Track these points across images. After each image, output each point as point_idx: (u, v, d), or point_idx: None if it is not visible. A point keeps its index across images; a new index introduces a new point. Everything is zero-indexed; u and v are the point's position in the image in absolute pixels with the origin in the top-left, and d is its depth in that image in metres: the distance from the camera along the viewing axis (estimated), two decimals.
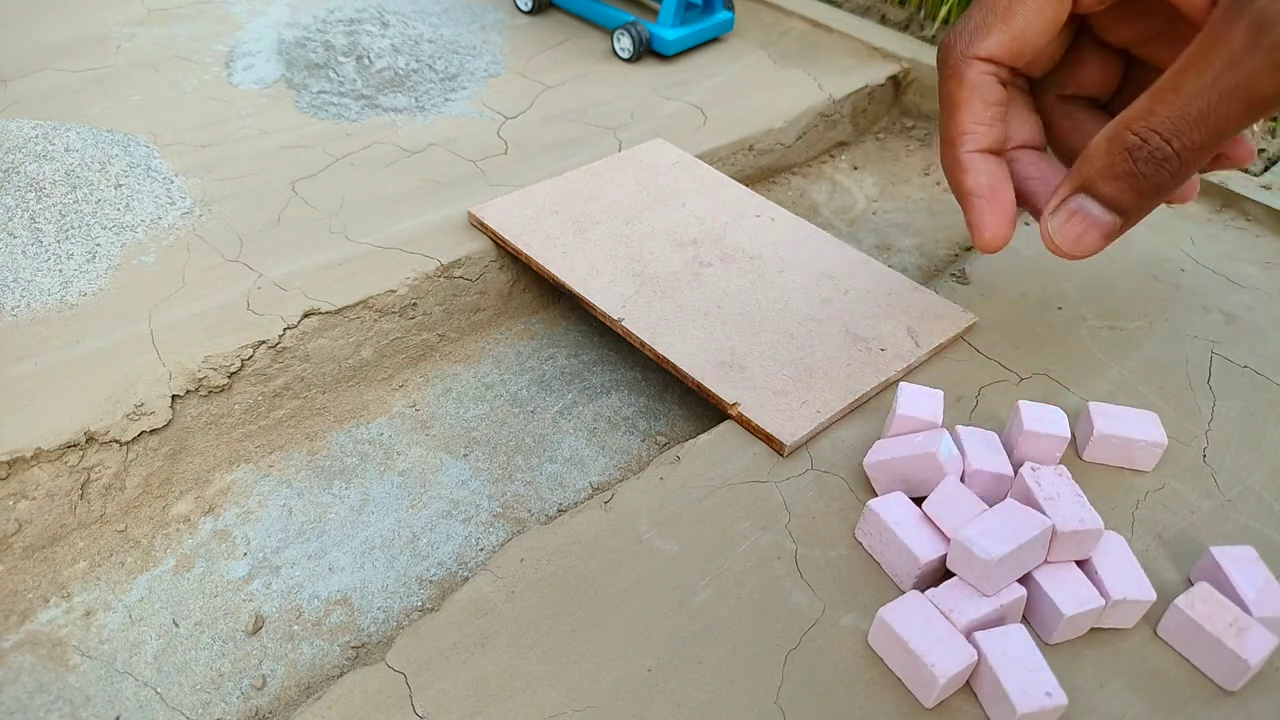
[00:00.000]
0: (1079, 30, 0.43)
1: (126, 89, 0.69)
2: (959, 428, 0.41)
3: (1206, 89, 0.33)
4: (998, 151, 0.41)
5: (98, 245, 0.53)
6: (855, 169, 0.73)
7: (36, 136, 0.58)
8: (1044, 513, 0.35)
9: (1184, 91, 0.33)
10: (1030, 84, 0.45)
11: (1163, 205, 0.50)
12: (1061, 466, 0.38)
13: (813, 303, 0.51)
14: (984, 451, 0.40)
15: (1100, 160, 0.36)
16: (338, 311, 0.51)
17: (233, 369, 0.48)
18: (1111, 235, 0.38)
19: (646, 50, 0.77)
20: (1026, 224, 0.59)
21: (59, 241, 0.53)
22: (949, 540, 0.36)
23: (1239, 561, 0.37)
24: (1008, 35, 0.39)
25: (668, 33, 0.76)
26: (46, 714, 0.38)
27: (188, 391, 0.47)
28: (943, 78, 0.40)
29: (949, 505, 0.37)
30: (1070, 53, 0.43)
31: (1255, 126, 0.68)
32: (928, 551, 0.36)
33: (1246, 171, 0.63)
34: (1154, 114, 0.34)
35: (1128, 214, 0.37)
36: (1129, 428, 0.42)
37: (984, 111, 0.40)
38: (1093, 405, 0.43)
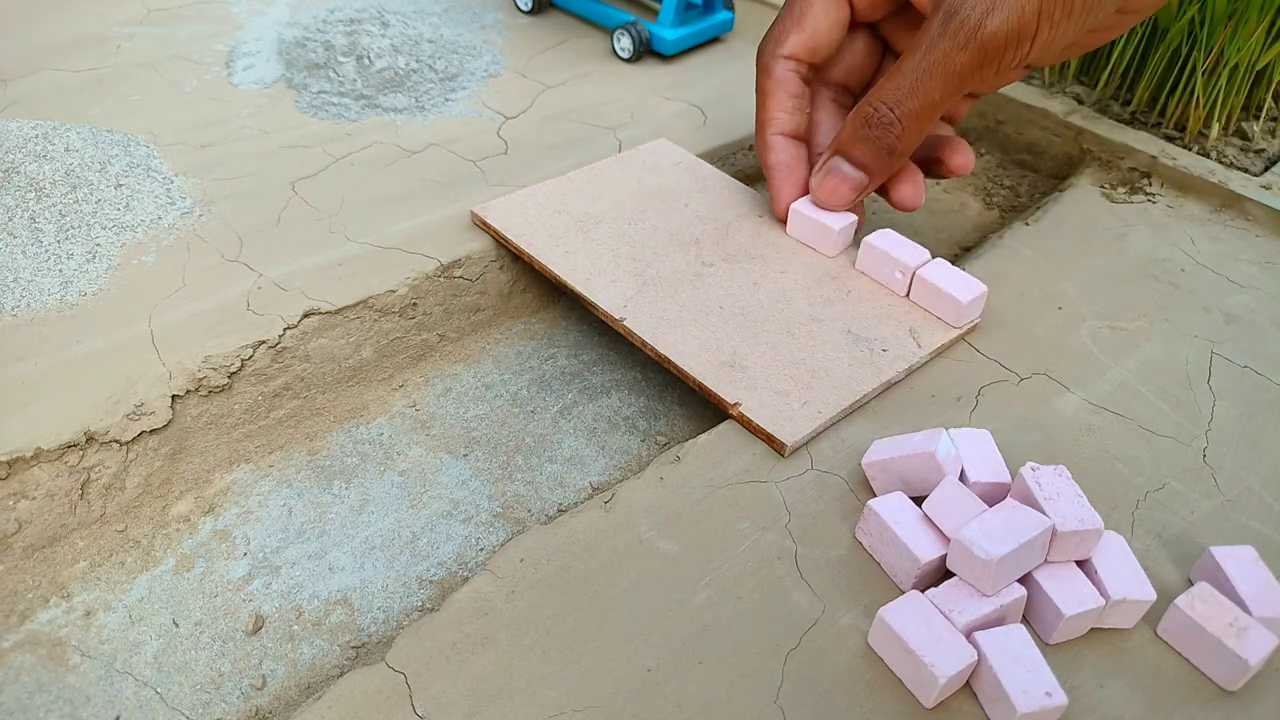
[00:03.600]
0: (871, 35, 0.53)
1: (126, 89, 0.69)
2: (954, 430, 0.41)
3: (915, 67, 0.43)
4: (799, 137, 0.52)
5: (98, 245, 0.53)
6: None
7: (36, 136, 0.58)
8: (1044, 513, 0.35)
9: (902, 70, 0.44)
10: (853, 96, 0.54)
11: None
12: (1062, 466, 0.38)
13: (814, 303, 0.51)
14: (979, 457, 0.40)
15: (848, 129, 0.47)
16: (338, 311, 0.51)
17: (233, 369, 0.48)
18: (859, 189, 0.49)
19: (646, 50, 0.77)
20: (1027, 224, 0.59)
21: (59, 241, 0.53)
22: (949, 540, 0.36)
23: (1239, 561, 0.37)
24: (804, 37, 0.49)
25: (668, 33, 0.76)
26: (46, 714, 0.38)
27: (188, 391, 0.47)
28: (757, 75, 0.51)
29: (949, 506, 0.37)
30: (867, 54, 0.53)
31: (1255, 127, 0.68)
32: (927, 551, 0.36)
33: (1246, 171, 0.63)
34: (883, 90, 0.45)
35: (871, 172, 0.48)
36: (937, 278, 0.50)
37: (786, 101, 0.50)
38: None
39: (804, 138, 0.52)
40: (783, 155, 0.51)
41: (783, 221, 0.55)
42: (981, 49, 0.41)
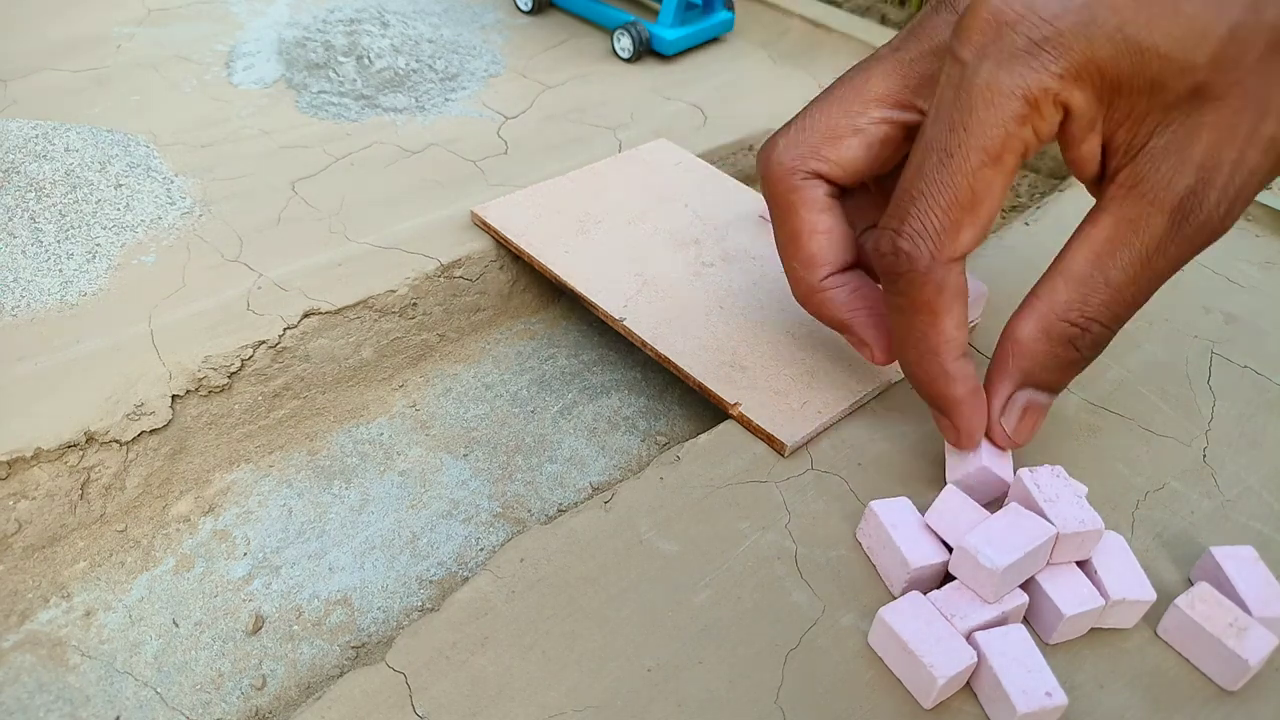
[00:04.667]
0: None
1: (126, 89, 0.69)
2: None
3: (1137, 276, 0.35)
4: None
5: (98, 245, 0.53)
6: None
7: (36, 136, 0.58)
8: (1044, 515, 0.35)
9: (1114, 281, 0.35)
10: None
11: None
12: (1059, 468, 0.38)
13: None
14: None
15: (1044, 354, 0.37)
16: (338, 311, 0.51)
17: (233, 369, 0.48)
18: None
19: (646, 50, 0.77)
20: (1027, 224, 0.59)
21: (59, 241, 0.53)
22: (946, 548, 0.36)
23: (1239, 561, 0.37)
24: (979, 226, 0.35)
25: (668, 33, 0.76)
26: (46, 714, 0.38)
27: (188, 391, 0.47)
28: (911, 285, 0.36)
29: (950, 516, 0.37)
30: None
31: None
32: (918, 558, 0.36)
33: None
34: (1089, 304, 0.35)
35: (1059, 390, 0.39)
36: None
37: (964, 314, 0.37)
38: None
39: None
40: (969, 383, 0.38)
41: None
42: (1211, 240, 0.34)
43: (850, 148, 0.39)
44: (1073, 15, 0.31)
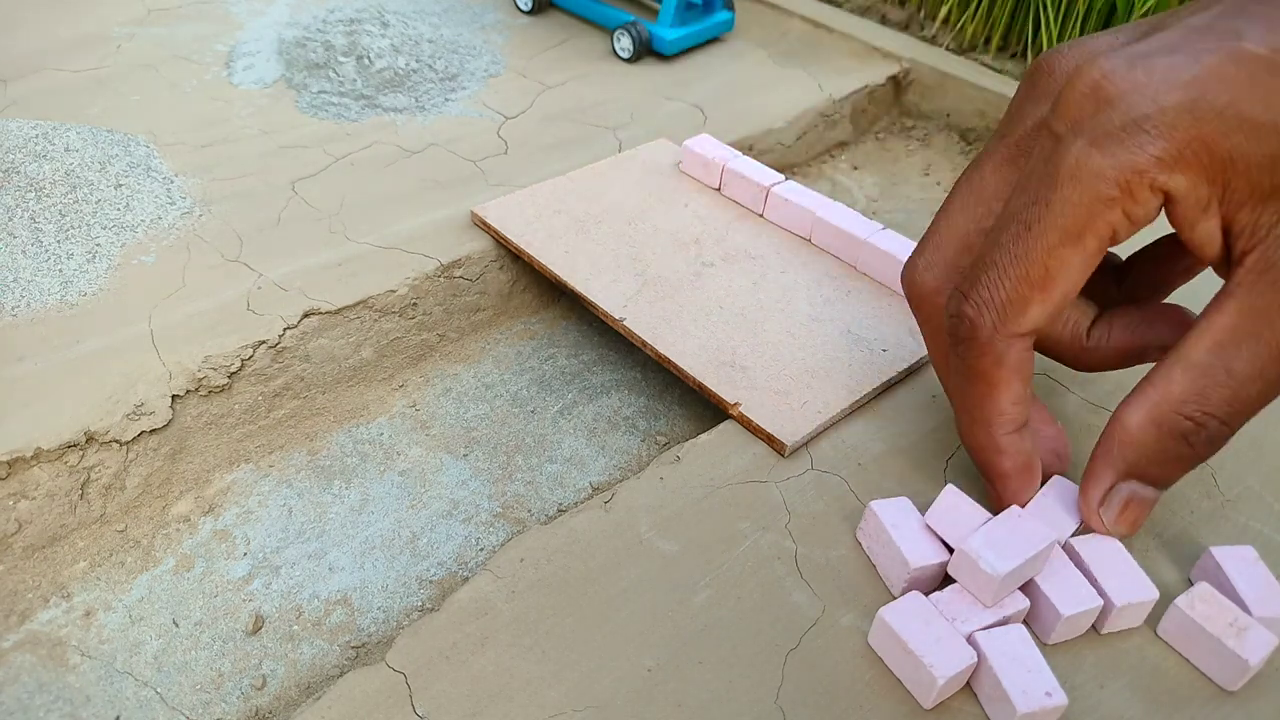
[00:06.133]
0: None
1: (126, 89, 0.69)
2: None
3: (1265, 369, 0.31)
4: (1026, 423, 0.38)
5: (98, 245, 0.53)
6: (855, 169, 0.73)
7: (36, 136, 0.58)
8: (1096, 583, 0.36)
9: (1238, 373, 0.32)
10: None
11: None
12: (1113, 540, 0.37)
13: (815, 303, 0.51)
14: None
15: (1152, 447, 0.34)
16: (338, 311, 0.51)
17: (233, 369, 0.48)
18: (1153, 506, 0.37)
19: (646, 50, 0.77)
20: None
21: (59, 241, 0.53)
22: (946, 549, 0.36)
23: (1239, 561, 0.37)
24: (1050, 305, 0.33)
25: (668, 33, 0.76)
26: (46, 714, 0.38)
27: (188, 391, 0.47)
28: (972, 354, 0.35)
29: (950, 516, 0.37)
30: None
31: None
32: (918, 558, 0.36)
33: None
34: (1207, 397, 0.32)
35: (1170, 485, 0.36)
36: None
37: (1023, 390, 0.36)
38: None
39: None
40: (1019, 458, 0.37)
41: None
42: None
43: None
44: (1179, 93, 0.29)
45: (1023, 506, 0.37)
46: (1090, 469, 0.36)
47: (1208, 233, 0.31)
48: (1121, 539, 0.37)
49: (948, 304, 0.35)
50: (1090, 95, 0.31)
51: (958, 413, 0.38)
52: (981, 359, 0.34)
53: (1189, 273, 0.39)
